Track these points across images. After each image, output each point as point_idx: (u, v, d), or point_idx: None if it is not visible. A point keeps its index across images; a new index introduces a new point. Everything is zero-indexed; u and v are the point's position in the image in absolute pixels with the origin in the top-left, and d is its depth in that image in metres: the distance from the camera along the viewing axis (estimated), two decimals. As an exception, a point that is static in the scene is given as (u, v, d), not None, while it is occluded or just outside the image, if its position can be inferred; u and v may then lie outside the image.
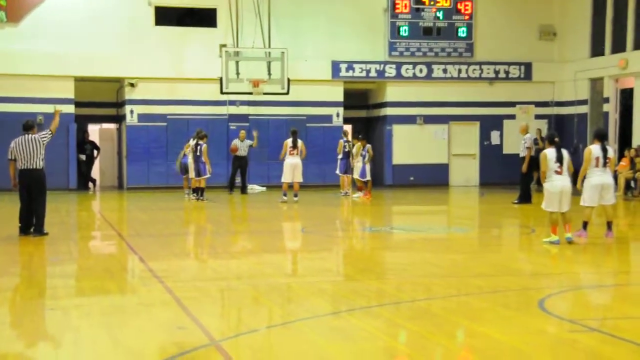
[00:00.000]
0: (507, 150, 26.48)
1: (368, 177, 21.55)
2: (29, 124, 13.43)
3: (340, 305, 8.17)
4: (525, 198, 19.70)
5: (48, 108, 23.61)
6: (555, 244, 11.94)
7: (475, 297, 8.39)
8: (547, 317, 7.39)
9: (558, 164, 11.99)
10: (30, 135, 13.18)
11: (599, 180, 12.48)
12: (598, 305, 8.49)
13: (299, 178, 20.30)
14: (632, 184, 22.12)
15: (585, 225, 12.64)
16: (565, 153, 12.13)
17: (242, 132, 23.27)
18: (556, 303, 8.11)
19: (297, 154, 20.26)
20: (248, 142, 23.14)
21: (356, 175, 21.84)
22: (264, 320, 7.52)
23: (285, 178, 20.26)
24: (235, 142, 23.11)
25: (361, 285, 9.23)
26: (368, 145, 21.77)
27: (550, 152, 12.07)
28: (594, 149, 12.47)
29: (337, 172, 22.59)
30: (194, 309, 7.73)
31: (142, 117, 24.82)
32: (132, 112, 24.80)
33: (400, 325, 7.21)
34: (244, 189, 23.32)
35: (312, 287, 9.08)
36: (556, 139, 12.24)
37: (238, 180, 23.31)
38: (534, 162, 20.70)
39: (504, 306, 8.03)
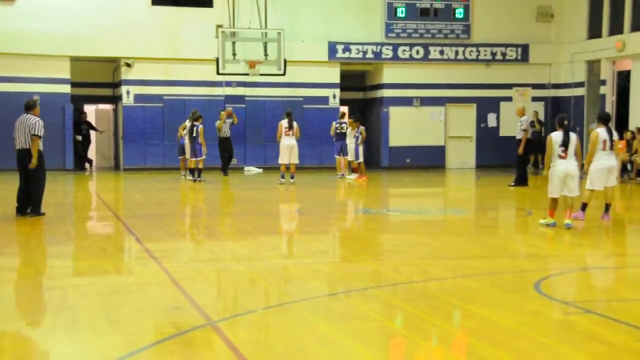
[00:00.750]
0: (503, 132, 26.47)
1: (360, 159, 21.55)
2: (29, 104, 13.21)
3: (336, 287, 8.20)
4: (521, 181, 19.71)
5: (44, 87, 23.58)
6: (552, 227, 11.95)
7: (471, 278, 8.42)
8: (543, 299, 7.42)
9: (562, 148, 11.76)
10: (28, 115, 13.05)
11: (606, 164, 12.46)
12: (594, 288, 8.52)
13: (295, 159, 20.27)
14: (629, 166, 22.16)
15: (584, 207, 12.66)
16: (573, 137, 11.90)
17: (222, 113, 23.03)
18: (552, 285, 8.14)
19: (292, 134, 20.20)
20: (228, 121, 23.00)
21: (350, 157, 21.86)
22: (261, 301, 7.54)
23: (282, 159, 20.21)
24: (218, 123, 23.01)
25: (357, 266, 9.26)
26: (361, 127, 21.75)
27: (555, 136, 11.84)
28: (601, 132, 12.43)
29: (335, 155, 22.60)
30: (190, 289, 7.75)
31: (138, 97, 24.75)
32: (128, 92, 24.72)
33: (396, 307, 7.23)
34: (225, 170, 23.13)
35: (309, 269, 9.10)
36: (565, 122, 12.02)
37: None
38: (531, 145, 20.75)
39: (500, 288, 8.05)
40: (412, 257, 9.87)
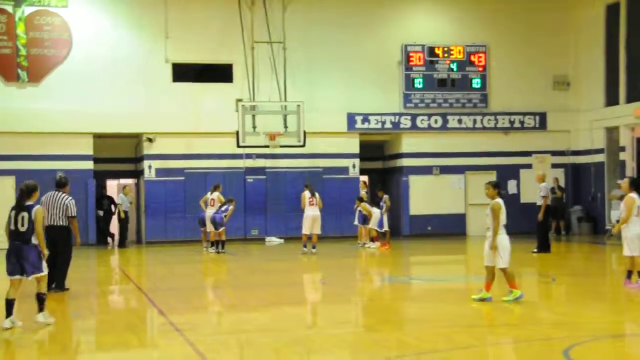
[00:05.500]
0: (524, 199, 26.39)
1: (386, 228, 21.59)
2: (62, 181, 13.34)
3: (361, 357, 8.14)
4: (543, 247, 19.61)
5: (67, 165, 23.90)
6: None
7: (498, 347, 8.34)
8: (572, 366, 7.33)
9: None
10: (60, 193, 13.16)
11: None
12: (622, 355, 8.39)
13: (317, 230, 20.41)
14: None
15: (629, 274, 12.50)
16: None
17: (127, 189, 24.26)
18: (582, 352, 8.02)
19: (316, 204, 20.44)
20: (129, 197, 24.07)
21: (373, 225, 21.91)
22: (287, 372, 7.50)
23: (305, 229, 20.37)
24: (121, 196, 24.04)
25: (383, 336, 9.20)
26: (385, 196, 21.87)
27: (637, 197, 12.18)
28: (637, 198, 12.42)
29: (355, 222, 22.69)
30: (216, 362, 7.73)
31: (160, 171, 25.02)
32: (150, 167, 25.01)
33: (423, 376, 7.17)
34: (121, 243, 24.22)
35: (333, 339, 9.07)
36: None
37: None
38: (551, 211, 20.69)
39: (528, 356, 7.96)
40: (437, 326, 9.79)
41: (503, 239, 11.35)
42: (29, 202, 9.91)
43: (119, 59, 24.79)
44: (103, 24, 24.92)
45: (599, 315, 10.68)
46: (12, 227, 9.79)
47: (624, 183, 13.26)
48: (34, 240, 9.80)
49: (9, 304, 9.68)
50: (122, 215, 24.00)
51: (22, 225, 9.74)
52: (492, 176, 26.80)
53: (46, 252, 10.00)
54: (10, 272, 9.76)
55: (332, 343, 8.82)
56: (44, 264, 9.92)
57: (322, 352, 8.46)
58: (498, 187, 11.64)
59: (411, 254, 21.75)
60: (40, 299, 9.94)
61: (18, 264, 9.70)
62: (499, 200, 11.38)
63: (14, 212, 9.78)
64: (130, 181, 26.82)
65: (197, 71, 25.85)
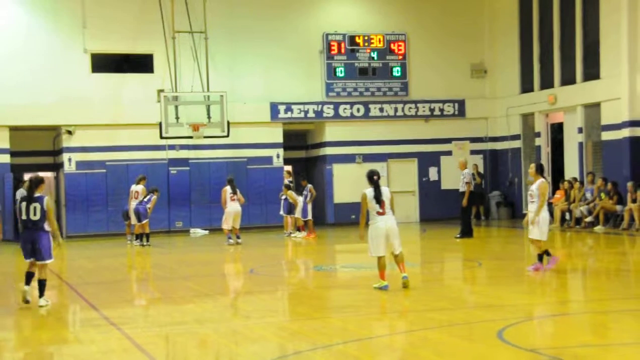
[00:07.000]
0: (445, 185, 26.96)
1: (309, 217, 21.77)
2: None
3: (304, 344, 8.22)
4: (467, 232, 20.08)
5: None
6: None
7: (435, 331, 8.54)
8: (508, 347, 7.58)
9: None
10: None
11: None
12: (555, 334, 8.72)
13: (237, 225, 20.41)
14: (567, 215, 22.73)
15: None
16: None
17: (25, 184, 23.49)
18: (515, 333, 8.30)
19: (237, 200, 20.38)
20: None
21: (298, 215, 22.05)
22: (231, 363, 7.52)
23: (227, 225, 20.30)
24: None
25: (321, 323, 9.30)
26: (309, 185, 22.02)
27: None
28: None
29: (281, 212, 22.76)
30: (157, 354, 7.68)
31: (80, 164, 24.49)
32: (70, 160, 24.46)
33: (367, 362, 7.30)
34: None
35: (272, 327, 9.12)
36: None
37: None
38: (473, 197, 21.21)
39: (465, 339, 8.19)
40: (373, 312, 9.96)
41: (371, 228, 11.31)
42: (37, 194, 10.89)
43: (35, 49, 24.13)
44: (17, 12, 24.24)
45: (525, 297, 11.04)
46: (24, 217, 10.86)
47: (531, 169, 13.50)
48: (46, 227, 10.91)
49: (29, 275, 11.24)
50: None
51: (35, 214, 10.81)
52: (414, 164, 27.38)
53: (60, 240, 11.46)
54: (27, 257, 11.14)
55: (272, 332, 8.87)
56: (52, 251, 11.08)
57: (263, 341, 8.50)
58: (369, 177, 11.46)
59: (337, 242, 21.95)
60: (43, 285, 11.10)
61: (33, 249, 10.91)
62: (365, 190, 11.34)
63: (24, 203, 10.80)
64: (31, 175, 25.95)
65: (117, 61, 25.40)
